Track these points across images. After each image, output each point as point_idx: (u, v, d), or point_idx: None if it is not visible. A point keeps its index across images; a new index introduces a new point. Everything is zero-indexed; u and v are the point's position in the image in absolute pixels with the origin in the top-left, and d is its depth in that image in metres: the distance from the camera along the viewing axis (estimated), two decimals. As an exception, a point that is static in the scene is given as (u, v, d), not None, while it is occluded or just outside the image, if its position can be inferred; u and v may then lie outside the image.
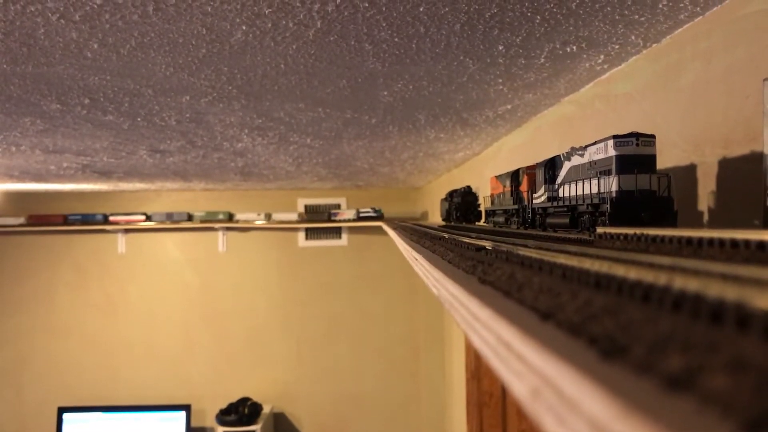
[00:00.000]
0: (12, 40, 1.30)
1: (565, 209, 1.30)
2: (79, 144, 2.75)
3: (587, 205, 1.15)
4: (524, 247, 0.81)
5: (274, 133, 2.58)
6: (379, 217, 5.15)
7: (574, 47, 1.41)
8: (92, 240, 5.95)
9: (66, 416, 5.59)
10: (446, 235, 1.38)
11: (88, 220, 5.69)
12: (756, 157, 0.98)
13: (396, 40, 1.35)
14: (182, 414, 5.57)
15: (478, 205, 2.55)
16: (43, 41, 1.31)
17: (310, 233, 6.10)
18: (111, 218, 5.72)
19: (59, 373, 5.84)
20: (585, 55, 1.48)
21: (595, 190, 1.12)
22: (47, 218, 5.67)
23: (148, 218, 5.74)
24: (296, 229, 6.06)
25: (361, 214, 5.34)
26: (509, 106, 2.08)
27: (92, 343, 5.88)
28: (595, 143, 1.14)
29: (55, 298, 5.91)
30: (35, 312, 5.89)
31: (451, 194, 2.75)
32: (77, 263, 5.96)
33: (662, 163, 1.20)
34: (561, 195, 1.35)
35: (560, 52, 1.45)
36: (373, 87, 1.79)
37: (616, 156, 1.04)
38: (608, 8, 1.16)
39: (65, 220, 5.65)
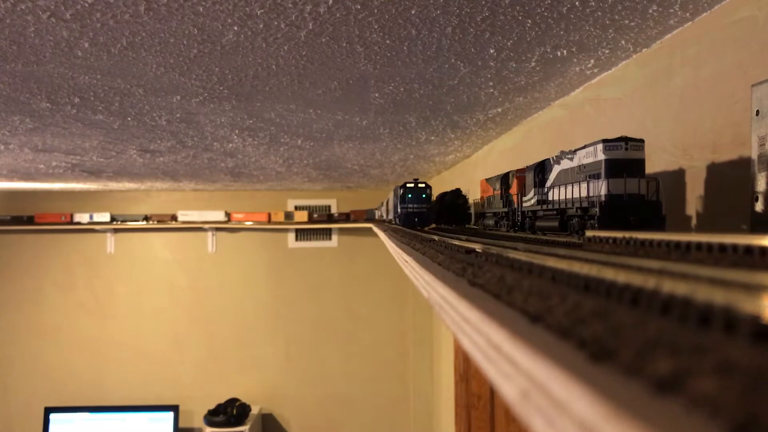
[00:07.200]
0: (2, 38, 1.29)
1: (555, 212, 1.31)
2: (68, 143, 2.73)
3: (576, 208, 1.16)
4: (514, 249, 0.81)
5: (264, 134, 2.57)
6: None
7: (565, 51, 1.42)
8: (81, 239, 5.90)
9: (53, 416, 5.54)
10: (436, 238, 1.38)
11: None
12: (744, 162, 0.99)
13: (387, 42, 1.35)
14: (170, 414, 5.54)
15: (468, 208, 2.56)
16: (33, 39, 1.30)
17: (300, 234, 6.08)
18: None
19: (46, 373, 5.79)
20: (575, 59, 1.48)
21: (584, 193, 1.12)
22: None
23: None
24: (286, 230, 6.05)
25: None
26: (500, 110, 2.09)
27: (80, 344, 5.83)
28: (584, 147, 1.14)
29: (43, 297, 5.86)
30: (22, 312, 5.84)
31: (442, 196, 2.76)
32: (65, 263, 5.91)
33: (651, 167, 1.21)
34: (550, 198, 1.35)
35: (551, 56, 1.45)
36: (364, 89, 1.79)
37: (605, 160, 1.05)
38: (599, 13, 1.17)
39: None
